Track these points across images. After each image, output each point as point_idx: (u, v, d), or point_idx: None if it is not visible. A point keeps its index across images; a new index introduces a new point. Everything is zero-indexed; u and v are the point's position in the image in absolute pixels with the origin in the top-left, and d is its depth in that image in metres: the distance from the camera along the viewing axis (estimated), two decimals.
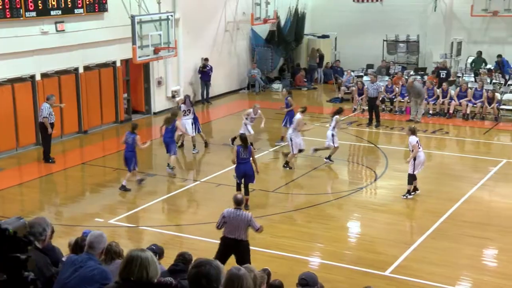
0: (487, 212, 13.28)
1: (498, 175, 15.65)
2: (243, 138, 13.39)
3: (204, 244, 11.55)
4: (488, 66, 25.55)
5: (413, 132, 13.89)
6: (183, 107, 17.57)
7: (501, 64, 25.37)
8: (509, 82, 23.78)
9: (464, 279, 10.41)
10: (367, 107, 21.65)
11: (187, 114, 17.44)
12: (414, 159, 13.68)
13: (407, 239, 11.79)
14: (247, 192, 13.19)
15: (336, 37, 29.33)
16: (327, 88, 27.36)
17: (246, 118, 17.80)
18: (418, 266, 10.66)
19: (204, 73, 23.87)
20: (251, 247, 11.37)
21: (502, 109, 21.71)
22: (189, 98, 17.82)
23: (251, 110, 18.07)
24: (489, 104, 21.37)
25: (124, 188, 14.31)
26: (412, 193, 13.94)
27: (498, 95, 21.72)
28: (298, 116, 16.47)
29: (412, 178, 13.82)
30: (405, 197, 13.83)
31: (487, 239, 11.88)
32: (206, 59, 23.76)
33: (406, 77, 24.31)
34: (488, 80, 23.59)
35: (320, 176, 15.82)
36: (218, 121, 22.20)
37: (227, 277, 4.16)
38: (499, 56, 25.58)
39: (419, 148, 13.80)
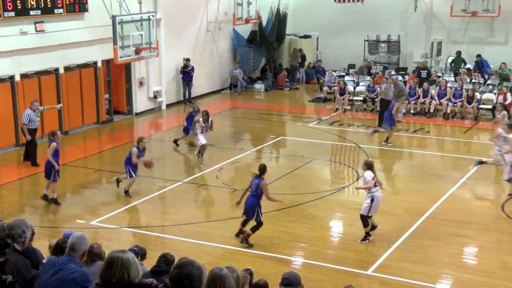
0: (468, 210, 13.39)
1: (478, 174, 15.79)
2: (261, 169, 11.66)
3: (186, 244, 11.52)
4: (468, 65, 25.83)
5: (369, 167, 11.69)
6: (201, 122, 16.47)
7: (480, 64, 25.66)
8: (488, 82, 24.03)
9: (445, 277, 10.49)
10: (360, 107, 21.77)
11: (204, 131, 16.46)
12: (372, 200, 11.48)
13: (389, 238, 11.84)
14: (252, 229, 11.52)
15: (318, 37, 29.42)
16: (309, 88, 27.43)
17: (501, 139, 14.53)
18: (399, 264, 10.72)
19: (186, 73, 23.81)
20: (232, 248, 11.40)
21: (481, 108, 21.92)
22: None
23: (500, 130, 14.63)
24: (469, 103, 21.57)
25: (54, 201, 13.54)
26: (369, 238, 11.70)
27: (477, 95, 21.94)
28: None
29: (365, 220, 11.65)
30: (364, 241, 11.60)
31: (467, 237, 11.99)
32: (188, 59, 23.70)
33: (387, 76, 24.46)
34: (468, 80, 23.82)
35: (303, 176, 15.84)
36: None
37: (209, 277, 4.15)
38: (478, 56, 25.87)
39: (375, 186, 11.61)
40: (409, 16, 27.88)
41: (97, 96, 20.34)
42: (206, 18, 25.15)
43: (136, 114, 22.14)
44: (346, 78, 24.83)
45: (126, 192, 13.96)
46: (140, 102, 22.38)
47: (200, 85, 24.92)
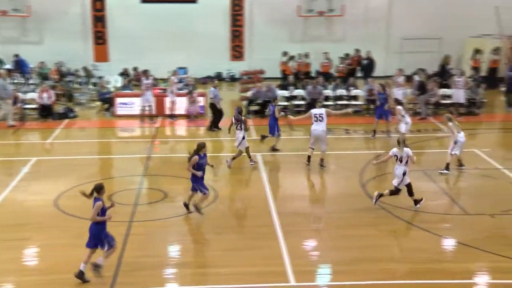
0: (23, 212, 13.22)
1: (29, 174, 15.80)
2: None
3: None
4: (7, 66, 25.58)
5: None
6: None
7: (19, 64, 25.69)
8: (30, 81, 24.21)
9: (8, 285, 10.19)
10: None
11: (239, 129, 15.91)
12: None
13: None
14: None
15: None
16: None
17: None
18: None
19: None
20: None
21: (26, 108, 21.94)
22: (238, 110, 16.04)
23: None
24: (14, 104, 21.30)
25: None
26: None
27: (21, 95, 21.89)
28: None
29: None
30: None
31: (26, 239, 11.82)
32: None
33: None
34: (10, 80, 23.53)
35: None
36: None
37: None
38: (16, 55, 25.83)
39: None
40: None
41: None
42: None
43: None
44: None
45: None
46: None
47: None
